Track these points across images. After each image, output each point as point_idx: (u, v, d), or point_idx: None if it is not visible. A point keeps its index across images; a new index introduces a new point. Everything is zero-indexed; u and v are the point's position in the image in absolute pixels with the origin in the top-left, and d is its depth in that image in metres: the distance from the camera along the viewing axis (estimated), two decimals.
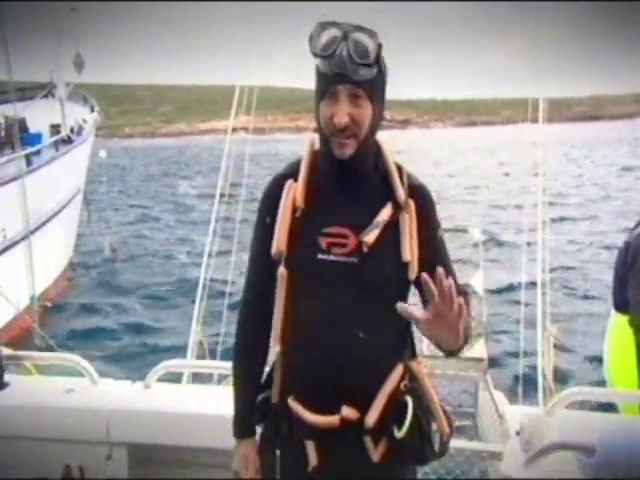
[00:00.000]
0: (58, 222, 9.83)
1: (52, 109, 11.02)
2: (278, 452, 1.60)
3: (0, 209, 7.35)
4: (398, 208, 1.47)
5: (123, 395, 2.44)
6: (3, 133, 8.93)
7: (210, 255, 4.54)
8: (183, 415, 2.31)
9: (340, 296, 1.45)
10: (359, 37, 1.36)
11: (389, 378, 1.46)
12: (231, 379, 1.67)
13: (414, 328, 1.56)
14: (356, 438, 1.46)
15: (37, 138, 9.65)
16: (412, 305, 1.41)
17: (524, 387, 3.91)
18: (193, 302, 4.45)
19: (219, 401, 2.27)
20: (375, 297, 1.46)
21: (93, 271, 11.94)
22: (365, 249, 1.44)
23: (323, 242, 1.45)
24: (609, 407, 2.60)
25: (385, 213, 1.46)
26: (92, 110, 13.25)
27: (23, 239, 7.21)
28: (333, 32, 1.37)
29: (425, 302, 1.53)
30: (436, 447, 1.48)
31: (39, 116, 10.20)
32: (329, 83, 1.39)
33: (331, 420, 1.44)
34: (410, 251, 1.46)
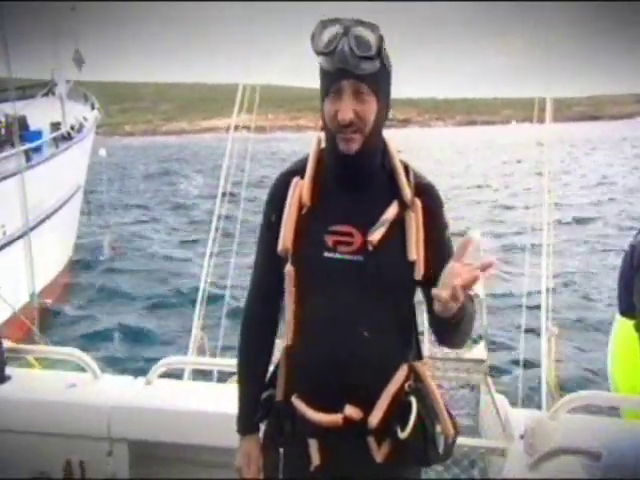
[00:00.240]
0: (58, 219, 9.83)
1: (53, 107, 11.03)
2: (281, 450, 1.59)
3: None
4: (404, 207, 1.46)
5: (125, 391, 2.44)
6: (3, 131, 8.93)
7: (212, 253, 4.53)
8: (184, 412, 2.31)
9: (345, 295, 1.44)
10: (360, 31, 1.35)
11: (393, 378, 1.45)
12: (236, 377, 1.67)
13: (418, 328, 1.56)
14: (359, 438, 1.46)
15: (37, 136, 9.64)
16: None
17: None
18: (193, 303, 4.44)
19: (220, 398, 2.28)
20: (380, 296, 1.45)
21: (92, 270, 11.92)
22: (370, 248, 1.43)
23: (329, 240, 1.45)
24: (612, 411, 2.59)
25: (391, 212, 1.45)
26: (92, 108, 13.26)
27: (23, 235, 7.20)
28: (334, 29, 1.36)
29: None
30: (440, 449, 1.47)
31: (40, 114, 10.19)
32: (332, 80, 1.38)
33: (334, 419, 1.44)
34: (416, 250, 1.44)
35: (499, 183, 25.13)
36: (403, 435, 1.40)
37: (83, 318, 9.25)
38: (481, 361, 3.42)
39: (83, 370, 2.54)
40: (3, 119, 8.89)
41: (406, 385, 1.46)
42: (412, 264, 1.45)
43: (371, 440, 1.46)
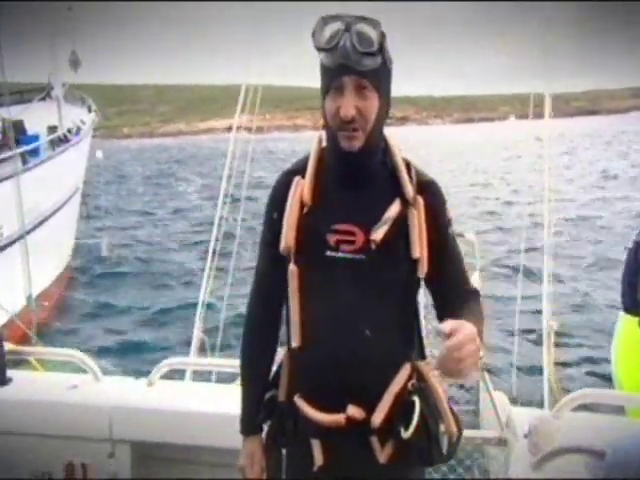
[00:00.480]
0: (56, 221, 9.82)
1: (50, 111, 11.02)
2: (284, 450, 1.59)
3: None
4: (407, 204, 1.45)
5: (126, 392, 2.44)
6: (0, 136, 8.93)
7: (214, 252, 4.52)
8: (186, 413, 2.31)
9: (347, 293, 1.44)
10: (362, 27, 1.34)
11: (396, 377, 1.45)
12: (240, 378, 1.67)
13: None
14: (362, 438, 1.45)
15: (34, 140, 9.65)
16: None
17: None
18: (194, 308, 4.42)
19: (222, 399, 2.28)
20: (383, 295, 1.45)
21: (90, 273, 11.90)
22: (373, 246, 1.42)
23: (331, 239, 1.44)
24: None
25: (393, 210, 1.44)
26: (90, 111, 13.26)
27: (20, 238, 7.19)
28: (336, 25, 1.35)
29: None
30: (444, 449, 1.46)
31: (37, 118, 10.20)
32: (334, 76, 1.37)
33: (337, 418, 1.43)
34: (419, 248, 1.44)
35: (500, 179, 25.08)
36: (406, 435, 1.40)
37: (80, 325, 9.22)
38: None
39: (84, 372, 2.53)
40: (0, 124, 8.89)
41: (409, 384, 1.45)
42: (415, 262, 1.44)
43: (374, 440, 1.45)
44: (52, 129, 10.76)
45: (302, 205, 1.46)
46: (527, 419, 2.04)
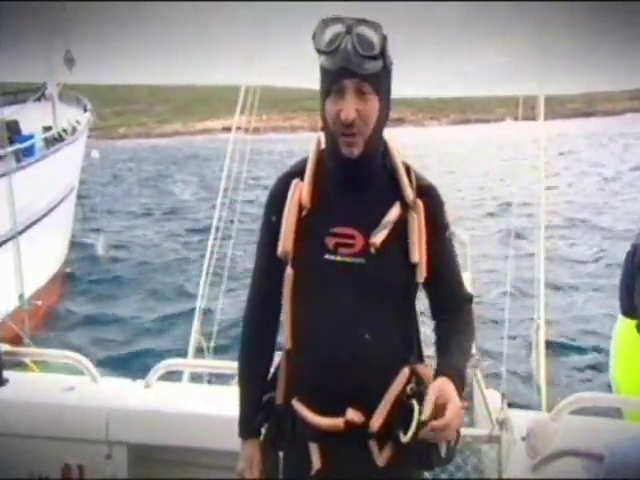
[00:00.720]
0: (50, 220, 9.79)
1: (45, 111, 11.00)
2: (281, 454, 1.59)
3: None
4: (406, 208, 1.45)
5: (123, 394, 2.44)
6: None
7: (212, 252, 4.51)
8: (183, 415, 2.31)
9: (346, 297, 1.43)
10: (363, 30, 1.34)
11: (395, 381, 1.44)
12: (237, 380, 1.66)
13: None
14: (361, 442, 1.45)
15: (29, 140, 9.63)
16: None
17: None
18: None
19: (220, 401, 2.28)
20: (382, 298, 1.45)
21: (87, 274, 11.87)
22: (372, 250, 1.42)
23: (330, 242, 1.44)
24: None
25: (393, 213, 1.44)
26: (85, 110, 13.23)
27: (12, 238, 7.15)
28: (337, 28, 1.35)
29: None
30: (442, 452, 1.45)
31: (32, 119, 10.18)
32: (334, 79, 1.37)
33: (335, 422, 1.42)
34: (419, 252, 1.44)
35: (498, 181, 25.10)
36: (405, 439, 1.39)
37: (80, 324, 9.18)
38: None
39: (81, 374, 2.52)
40: None
41: (408, 388, 1.44)
42: (414, 266, 1.44)
43: (372, 444, 1.45)
44: (47, 129, 10.74)
45: (301, 208, 1.45)
46: (525, 422, 2.04)
